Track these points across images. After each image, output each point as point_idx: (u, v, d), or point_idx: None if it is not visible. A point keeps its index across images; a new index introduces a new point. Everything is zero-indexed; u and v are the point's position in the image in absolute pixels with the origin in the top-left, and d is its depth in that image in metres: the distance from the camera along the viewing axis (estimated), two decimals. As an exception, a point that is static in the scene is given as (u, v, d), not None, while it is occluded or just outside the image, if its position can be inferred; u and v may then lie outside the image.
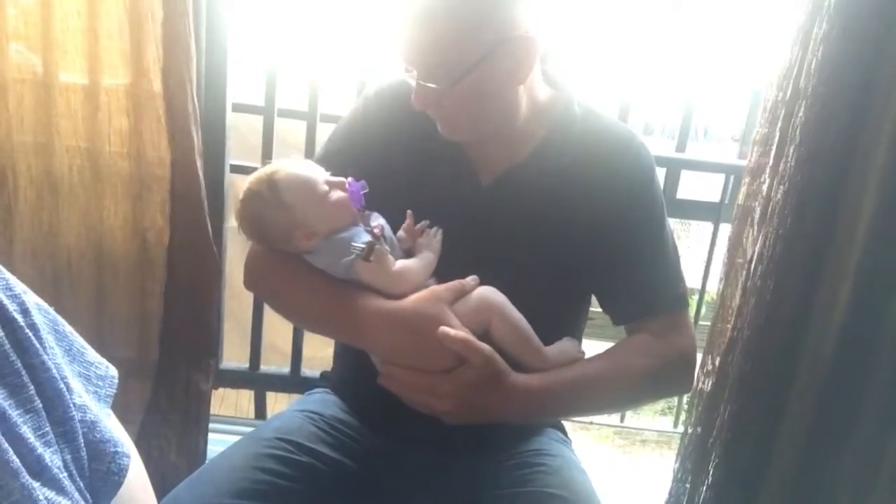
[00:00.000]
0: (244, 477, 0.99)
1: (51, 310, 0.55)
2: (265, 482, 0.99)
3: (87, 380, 0.56)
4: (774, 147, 1.33)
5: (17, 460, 0.45)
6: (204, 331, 1.55)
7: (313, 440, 1.09)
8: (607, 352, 1.11)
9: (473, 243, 1.05)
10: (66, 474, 0.49)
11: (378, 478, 1.11)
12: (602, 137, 1.11)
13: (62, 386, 0.51)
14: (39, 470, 0.47)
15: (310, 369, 1.70)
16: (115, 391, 0.59)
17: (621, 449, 3.54)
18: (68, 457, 0.51)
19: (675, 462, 1.57)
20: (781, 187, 1.31)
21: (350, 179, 1.02)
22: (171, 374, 1.55)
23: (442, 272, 1.04)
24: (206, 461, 1.54)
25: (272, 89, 1.58)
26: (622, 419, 2.24)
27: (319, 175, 1.03)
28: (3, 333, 0.48)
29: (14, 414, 0.47)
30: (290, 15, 1.53)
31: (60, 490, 0.48)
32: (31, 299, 0.53)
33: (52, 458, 0.49)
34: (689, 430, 1.53)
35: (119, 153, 1.44)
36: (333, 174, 1.04)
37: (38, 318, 0.52)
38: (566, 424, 1.30)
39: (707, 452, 1.48)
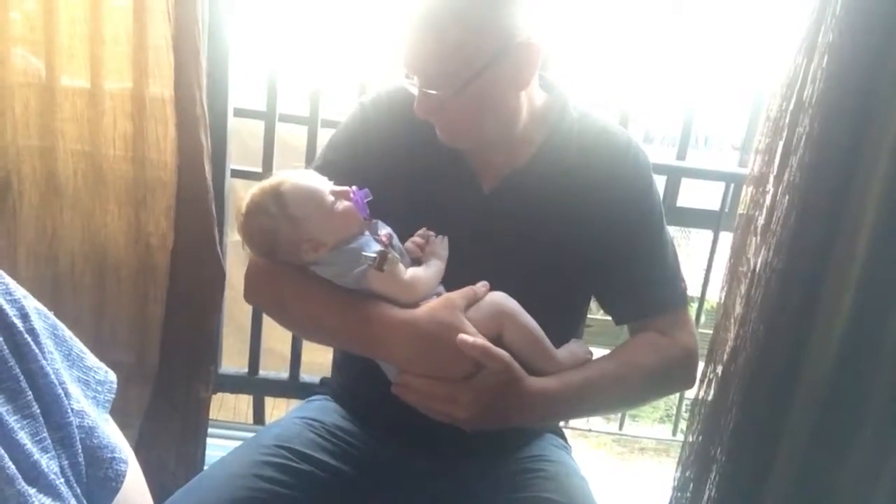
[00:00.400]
0: (243, 485, 0.98)
1: (50, 314, 0.54)
2: (264, 490, 0.99)
3: (86, 385, 0.56)
4: (778, 156, 1.33)
5: (13, 466, 0.45)
6: (205, 338, 1.54)
7: (313, 447, 1.09)
8: (616, 351, 1.11)
9: (476, 249, 1.05)
10: (62, 480, 0.49)
11: (378, 485, 1.10)
12: (600, 140, 1.11)
13: (60, 391, 0.51)
14: (36, 476, 0.47)
15: (308, 374, 1.70)
16: (113, 396, 0.59)
17: (620, 456, 3.53)
18: (65, 463, 0.50)
19: (676, 470, 1.56)
20: (785, 197, 1.31)
21: (354, 188, 1.01)
22: (171, 381, 1.55)
23: (447, 279, 1.03)
24: (205, 467, 1.54)
25: (273, 94, 1.58)
26: (621, 426, 2.23)
27: (324, 186, 1.01)
28: (1, 338, 0.48)
29: (11, 419, 0.47)
30: (292, 20, 1.54)
31: (57, 496, 0.48)
32: (31, 304, 0.52)
33: (49, 464, 0.48)
34: (690, 439, 1.53)
35: (123, 157, 1.44)
36: (335, 183, 1.03)
37: (37, 323, 0.52)
38: (566, 431, 1.30)
39: (709, 461, 1.48)
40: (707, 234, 1.81)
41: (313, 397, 1.27)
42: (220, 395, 1.75)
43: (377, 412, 1.11)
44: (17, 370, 0.48)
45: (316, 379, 1.38)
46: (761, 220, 1.37)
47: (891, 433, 1.32)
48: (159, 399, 1.54)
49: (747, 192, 1.41)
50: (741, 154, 1.75)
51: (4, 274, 0.51)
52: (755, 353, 1.38)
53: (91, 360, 0.58)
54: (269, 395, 1.86)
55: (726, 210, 1.74)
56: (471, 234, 1.06)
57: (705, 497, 1.49)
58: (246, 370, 1.71)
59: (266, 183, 1.02)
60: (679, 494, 1.55)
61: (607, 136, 1.12)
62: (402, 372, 0.99)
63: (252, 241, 1.04)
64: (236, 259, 1.48)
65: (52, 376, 0.51)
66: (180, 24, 1.36)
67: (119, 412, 0.60)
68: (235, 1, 1.47)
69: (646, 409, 3.86)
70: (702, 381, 1.49)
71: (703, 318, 2.25)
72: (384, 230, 1.03)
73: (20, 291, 0.52)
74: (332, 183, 1.02)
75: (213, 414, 1.62)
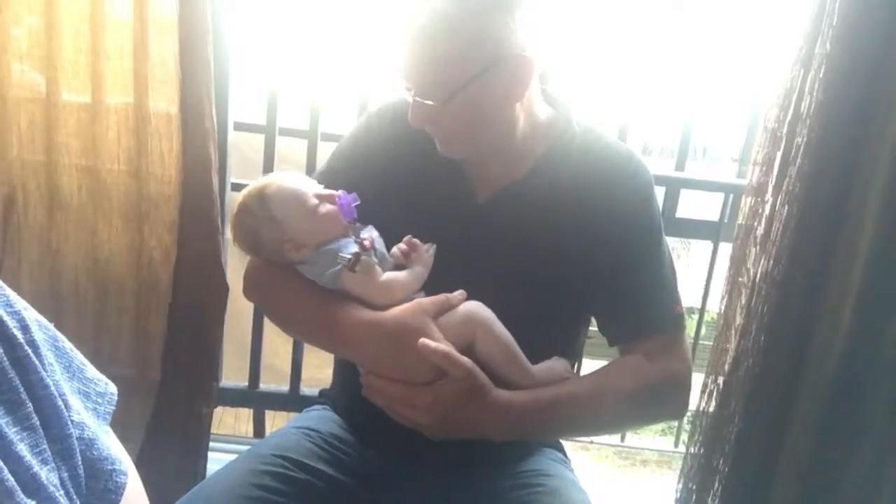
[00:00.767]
0: (241, 494, 0.98)
1: (51, 326, 0.55)
2: (262, 499, 0.99)
3: (87, 396, 0.56)
4: (776, 166, 1.34)
5: (12, 479, 0.45)
6: (207, 352, 1.54)
7: (311, 457, 1.09)
8: (595, 372, 1.10)
9: (468, 259, 1.05)
10: (62, 492, 0.49)
11: (375, 495, 1.10)
12: (601, 156, 1.11)
13: (60, 403, 0.51)
14: (35, 488, 0.47)
15: (308, 388, 1.69)
16: (114, 408, 0.59)
17: (621, 469, 3.52)
18: (65, 475, 0.50)
19: (678, 482, 1.55)
20: (785, 207, 1.31)
21: (341, 192, 1.03)
22: (173, 395, 1.55)
23: (436, 287, 1.03)
24: (204, 481, 1.53)
25: (273, 108, 1.59)
26: (622, 438, 2.22)
27: (309, 188, 1.04)
28: (1, 350, 0.48)
29: (11, 431, 0.47)
30: (292, 35, 1.55)
31: (57, 509, 0.48)
32: (32, 316, 0.52)
33: (48, 476, 0.48)
34: (693, 450, 1.52)
35: (127, 172, 1.45)
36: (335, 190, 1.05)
37: (37, 335, 0.52)
38: (565, 444, 1.29)
39: (712, 472, 1.47)
40: (707, 245, 1.82)
41: (312, 407, 1.27)
42: (219, 412, 1.74)
43: (375, 424, 1.10)
44: (17, 381, 0.48)
45: (316, 392, 1.38)
46: (760, 231, 1.38)
47: (893, 441, 1.32)
48: (161, 413, 1.54)
49: (746, 202, 1.41)
50: (740, 165, 1.75)
51: (5, 285, 0.51)
52: (756, 364, 1.38)
53: (91, 371, 0.58)
54: (270, 409, 1.85)
55: (726, 221, 1.74)
56: (462, 243, 1.06)
57: (708, 509, 1.49)
58: (246, 384, 1.71)
59: (254, 184, 1.07)
60: (681, 506, 1.54)
61: (609, 152, 1.12)
62: (367, 372, 1.00)
63: (239, 239, 1.08)
64: (236, 274, 1.48)
65: (52, 388, 0.51)
66: (187, 37, 1.37)
67: (120, 426, 0.60)
68: (236, 14, 1.48)
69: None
70: (703, 393, 1.49)
71: (703, 330, 2.25)
72: (367, 234, 1.04)
73: (21, 303, 0.52)
74: (320, 186, 1.05)
75: (212, 429, 1.62)
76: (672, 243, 1.19)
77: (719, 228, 1.73)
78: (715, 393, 1.47)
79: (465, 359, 0.95)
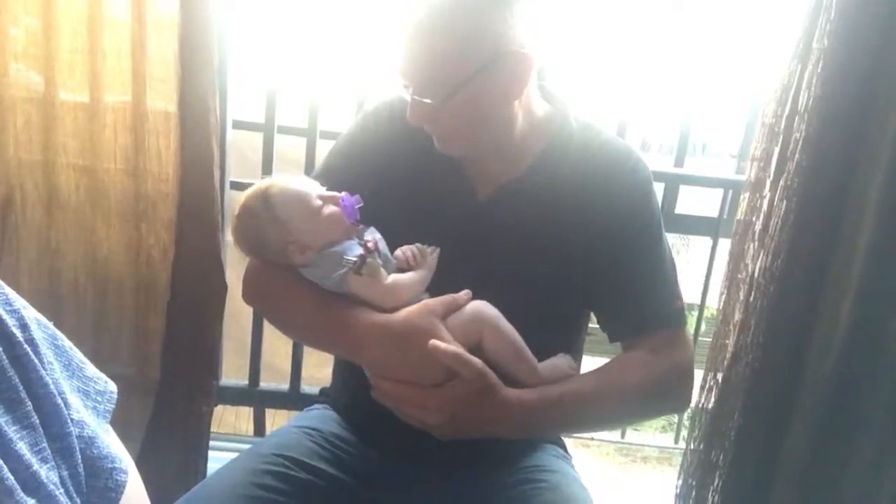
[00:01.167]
0: (242, 493, 0.98)
1: (50, 325, 0.55)
2: (263, 499, 0.99)
3: (86, 395, 0.56)
4: (774, 162, 1.34)
5: (12, 477, 0.45)
6: (206, 350, 1.54)
7: (312, 456, 1.08)
8: (601, 368, 1.10)
9: (469, 257, 1.05)
10: (62, 491, 0.49)
11: (376, 494, 1.10)
12: (600, 152, 1.11)
13: (60, 401, 0.51)
14: (35, 487, 0.47)
15: (308, 386, 1.69)
16: (114, 406, 0.59)
17: (622, 466, 3.52)
18: (65, 473, 0.50)
19: (678, 478, 1.56)
20: (783, 203, 1.31)
21: (344, 194, 1.02)
22: (173, 394, 1.54)
23: (438, 287, 1.03)
24: (205, 479, 1.53)
25: (272, 106, 1.59)
26: (623, 435, 2.22)
27: (312, 190, 1.04)
28: (0, 349, 0.48)
29: (10, 430, 0.47)
30: (290, 33, 1.54)
31: (57, 507, 0.48)
32: (31, 314, 0.52)
33: (48, 474, 0.48)
34: (692, 446, 1.52)
35: (125, 170, 1.45)
36: (334, 190, 1.04)
37: (36, 334, 0.52)
38: (566, 441, 1.29)
39: (711, 468, 1.48)
40: (706, 241, 1.82)
41: (312, 407, 1.26)
42: (220, 410, 1.74)
43: (374, 422, 1.10)
44: (17, 380, 0.48)
45: (316, 390, 1.38)
46: (759, 226, 1.38)
47: (893, 437, 1.32)
48: (161, 412, 1.54)
49: (745, 198, 1.41)
50: (738, 161, 1.75)
51: (3, 284, 0.51)
52: (755, 359, 1.38)
53: (91, 370, 0.58)
54: (270, 407, 1.85)
55: (725, 217, 1.74)
56: (463, 241, 1.05)
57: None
58: (246, 383, 1.71)
59: (257, 186, 1.05)
60: (681, 502, 1.54)
61: (608, 148, 1.12)
62: (376, 375, 1.00)
63: (241, 241, 1.07)
64: (235, 273, 1.48)
65: (52, 386, 0.51)
66: (188, 35, 1.36)
67: (120, 425, 0.60)
68: (234, 13, 1.47)
69: (647, 417, 3.85)
70: (703, 389, 1.49)
71: (703, 326, 2.25)
72: (371, 236, 1.04)
73: (20, 302, 0.52)
74: (323, 188, 1.04)
75: (212, 428, 1.62)
76: (671, 239, 1.19)
77: (718, 224, 1.73)
78: (714, 389, 1.47)
79: (475, 359, 0.95)
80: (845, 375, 1.32)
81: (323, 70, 1.59)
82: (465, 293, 1.02)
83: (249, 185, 1.57)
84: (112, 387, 0.60)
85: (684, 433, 1.74)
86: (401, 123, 1.06)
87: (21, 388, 0.49)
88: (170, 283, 1.50)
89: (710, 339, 1.52)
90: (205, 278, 1.49)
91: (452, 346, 0.95)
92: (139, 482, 0.60)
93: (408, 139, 1.08)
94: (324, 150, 1.25)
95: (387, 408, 1.00)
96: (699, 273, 1.82)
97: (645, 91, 1.61)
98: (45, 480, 0.48)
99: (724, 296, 1.46)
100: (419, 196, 1.09)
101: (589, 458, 3.41)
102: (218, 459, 1.55)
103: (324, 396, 1.29)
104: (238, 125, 1.60)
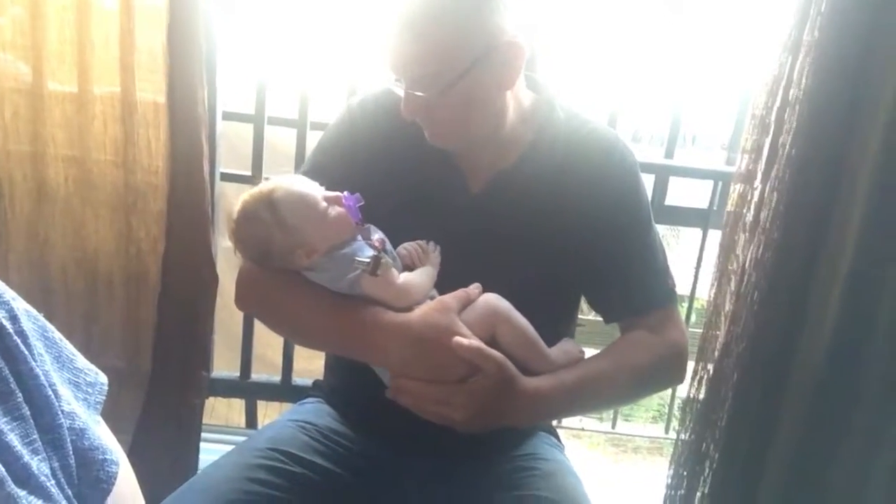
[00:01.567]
0: (236, 488, 0.98)
1: (40, 316, 0.54)
2: (257, 493, 0.98)
3: (77, 386, 0.56)
4: (765, 154, 1.34)
5: (3, 469, 0.45)
6: (198, 342, 1.53)
7: (306, 450, 1.08)
8: (608, 350, 1.12)
9: (465, 250, 1.05)
10: (53, 482, 0.49)
11: (371, 487, 1.10)
12: (587, 140, 1.12)
13: (50, 393, 0.51)
14: (26, 478, 0.47)
15: (301, 377, 1.69)
16: (104, 398, 0.59)
17: (614, 457, 3.54)
18: (56, 464, 0.50)
19: (669, 468, 1.57)
20: (773, 194, 1.32)
21: (346, 194, 1.01)
22: (164, 386, 1.54)
23: (439, 282, 1.03)
24: (198, 472, 1.53)
25: (262, 97, 1.58)
26: (613, 425, 2.24)
27: (317, 192, 1.01)
28: (-10, 340, 0.48)
29: (1, 421, 0.47)
30: (280, 24, 1.53)
31: (48, 498, 0.48)
32: (21, 306, 0.52)
33: (39, 465, 0.48)
34: (683, 437, 1.53)
35: (114, 162, 1.44)
36: (324, 186, 1.03)
37: (26, 325, 0.51)
38: (559, 431, 1.30)
39: (702, 458, 1.49)
40: (696, 233, 1.82)
41: (306, 400, 1.26)
42: (212, 401, 1.74)
43: (370, 415, 1.10)
44: (7, 372, 0.48)
45: (308, 382, 1.38)
46: (749, 217, 1.38)
47: (883, 427, 1.33)
48: (152, 404, 1.53)
49: (735, 189, 1.42)
50: (729, 153, 1.76)
51: (-7, 276, 0.51)
52: (746, 350, 1.39)
53: (81, 361, 0.58)
54: (262, 399, 1.84)
55: (715, 208, 1.75)
56: (459, 234, 1.06)
57: (698, 494, 1.50)
58: (238, 374, 1.70)
59: (258, 189, 1.02)
60: (672, 492, 1.55)
61: (595, 137, 1.13)
62: (397, 375, 0.99)
63: (244, 247, 1.04)
64: (226, 266, 1.47)
65: (42, 378, 0.51)
66: (177, 26, 1.35)
67: (112, 418, 0.60)
68: (224, 4, 1.46)
69: (638, 408, 3.88)
70: (693, 379, 1.50)
71: (693, 317, 2.26)
72: (377, 235, 1.03)
73: (9, 293, 0.52)
74: (323, 189, 1.02)
75: (204, 419, 1.61)
76: (661, 230, 1.21)
77: (708, 216, 1.74)
78: (705, 379, 1.48)
79: (496, 352, 0.96)
80: (835, 366, 1.33)
81: (313, 61, 1.59)
82: (475, 287, 1.02)
83: (240, 176, 1.59)
84: (103, 378, 0.59)
85: (675, 424, 1.75)
86: (388, 117, 1.05)
87: (11, 379, 0.48)
88: (160, 275, 1.50)
89: (700, 330, 1.52)
90: (195, 270, 1.49)
91: (475, 342, 0.95)
92: (131, 473, 0.60)
93: (396, 133, 1.08)
94: (314, 141, 1.23)
95: (380, 401, 1.00)
96: (689, 264, 1.83)
97: (635, 82, 1.61)
98: (36, 472, 0.48)
99: (714, 287, 1.47)
100: (412, 191, 1.09)
101: (580, 448, 3.42)
102: (210, 451, 1.55)
103: (317, 390, 1.29)
104: (228, 116, 1.59)
